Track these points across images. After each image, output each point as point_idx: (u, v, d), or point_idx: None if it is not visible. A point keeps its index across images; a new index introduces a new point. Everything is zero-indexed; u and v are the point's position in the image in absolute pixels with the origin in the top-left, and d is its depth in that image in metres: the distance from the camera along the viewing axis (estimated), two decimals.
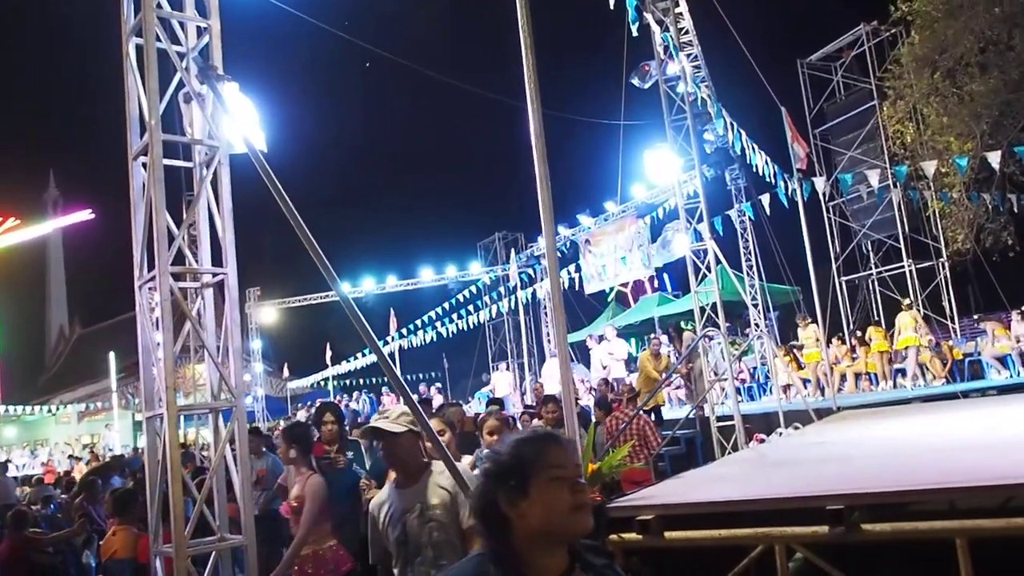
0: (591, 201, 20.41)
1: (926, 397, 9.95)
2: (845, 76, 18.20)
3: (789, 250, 15.49)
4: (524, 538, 1.49)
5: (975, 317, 15.62)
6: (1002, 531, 2.59)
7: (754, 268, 17.14)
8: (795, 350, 14.02)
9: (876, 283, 17.83)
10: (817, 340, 12.91)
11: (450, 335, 23.11)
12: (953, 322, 16.24)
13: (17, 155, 38.66)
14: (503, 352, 25.40)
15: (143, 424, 4.11)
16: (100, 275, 33.68)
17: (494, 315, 23.38)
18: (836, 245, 17.94)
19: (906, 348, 12.18)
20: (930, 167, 12.69)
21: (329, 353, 25.76)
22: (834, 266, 17.59)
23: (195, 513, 3.81)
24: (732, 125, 11.35)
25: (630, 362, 14.68)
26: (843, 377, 13.36)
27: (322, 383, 27.92)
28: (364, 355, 24.44)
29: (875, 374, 12.98)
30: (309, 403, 23.64)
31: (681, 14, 11.44)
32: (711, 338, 11.27)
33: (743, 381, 15.08)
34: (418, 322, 23.35)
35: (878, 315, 16.93)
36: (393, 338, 22.98)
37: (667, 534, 3.10)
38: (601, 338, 15.17)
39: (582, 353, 17.08)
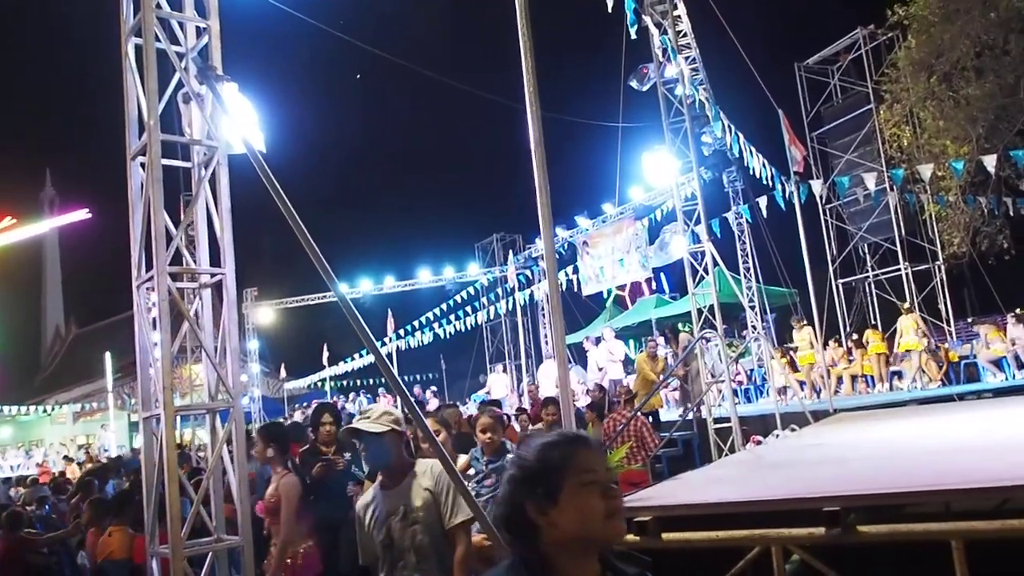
0: (589, 203, 20.45)
1: (922, 399, 9.98)
2: (842, 79, 18.25)
3: (786, 252, 15.52)
4: (554, 546, 1.41)
5: (969, 320, 15.68)
6: (998, 533, 2.59)
7: (751, 270, 17.18)
8: (791, 352, 14.05)
9: (872, 286, 17.88)
10: (811, 343, 12.94)
11: (447, 336, 23.10)
12: (949, 325, 16.29)
13: (13, 154, 38.62)
14: (500, 354, 25.41)
15: (139, 424, 4.11)
16: (96, 275, 33.65)
17: (492, 316, 23.36)
18: (833, 248, 17.98)
19: (908, 352, 12.18)
20: (926, 170, 12.73)
21: (326, 354, 25.76)
22: (831, 269, 17.63)
23: (192, 514, 3.81)
24: (730, 128, 11.38)
25: (627, 363, 14.69)
26: (840, 379, 13.39)
27: (319, 384, 27.89)
28: (361, 356, 24.42)
29: (871, 376, 13.02)
30: (306, 404, 23.61)
31: (679, 17, 11.45)
32: (708, 340, 11.28)
33: (740, 383, 15.10)
34: (415, 323, 23.35)
35: (875, 318, 16.97)
36: (391, 339, 22.97)
37: (664, 535, 3.10)
38: (598, 340, 15.17)
39: (579, 355, 17.08)
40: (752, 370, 16.08)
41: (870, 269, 17.97)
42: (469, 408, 15.57)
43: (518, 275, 21.66)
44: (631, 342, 19.13)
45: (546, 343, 22.46)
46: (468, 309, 22.68)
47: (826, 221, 17.78)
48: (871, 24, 16.95)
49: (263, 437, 4.68)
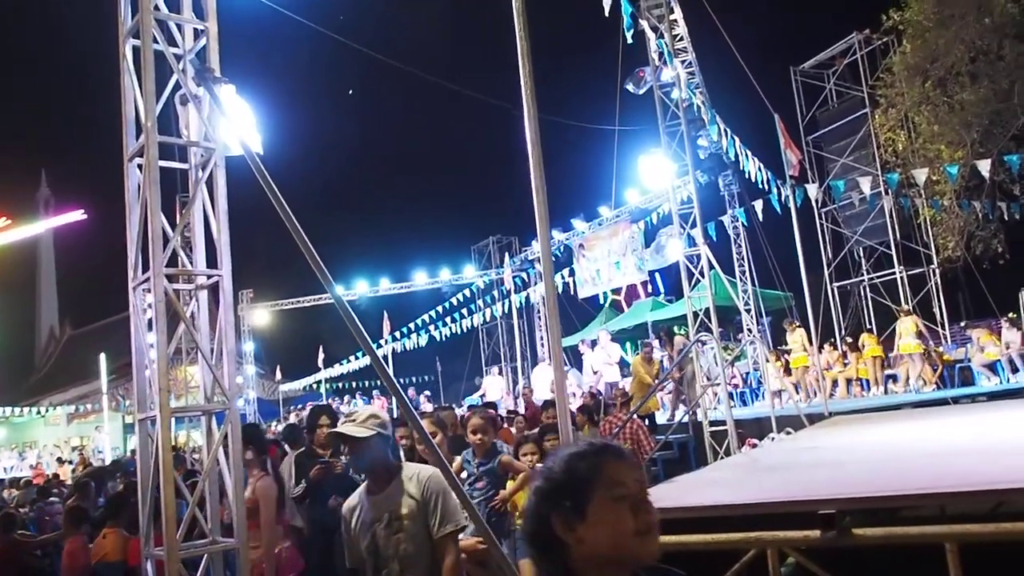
0: (585, 206, 20.49)
1: (917, 403, 10.01)
2: (838, 84, 18.33)
3: (782, 256, 15.57)
4: (582, 564, 1.32)
5: (962, 324, 15.74)
6: (992, 536, 2.61)
7: (747, 274, 17.20)
8: (784, 355, 14.09)
9: (868, 289, 17.94)
10: (804, 346, 12.97)
11: (443, 339, 23.09)
12: (943, 329, 16.35)
13: (9, 154, 38.48)
14: (496, 356, 25.40)
15: (135, 426, 4.09)
16: (91, 276, 33.55)
17: (487, 319, 23.37)
18: (828, 251, 18.04)
19: (910, 355, 12.18)
20: (921, 175, 12.79)
21: (321, 356, 25.72)
22: (826, 272, 17.69)
23: (187, 516, 3.80)
24: (726, 131, 11.42)
25: (624, 366, 14.70)
26: (835, 383, 13.41)
27: (314, 386, 27.85)
28: (357, 358, 24.40)
29: (867, 380, 13.05)
30: (300, 406, 23.57)
31: (676, 21, 11.51)
32: (704, 343, 11.31)
33: (736, 386, 15.13)
34: (411, 325, 23.34)
35: (869, 321, 17.03)
36: (386, 341, 22.96)
37: (660, 538, 3.11)
38: (594, 343, 15.17)
39: (574, 357, 17.08)
40: (748, 373, 16.10)
41: (865, 273, 18.03)
42: (464, 411, 15.53)
43: (514, 277, 21.66)
44: (627, 345, 19.16)
45: (542, 346, 22.46)
46: (464, 311, 22.69)
47: (821, 225, 17.83)
48: (867, 29, 17.04)
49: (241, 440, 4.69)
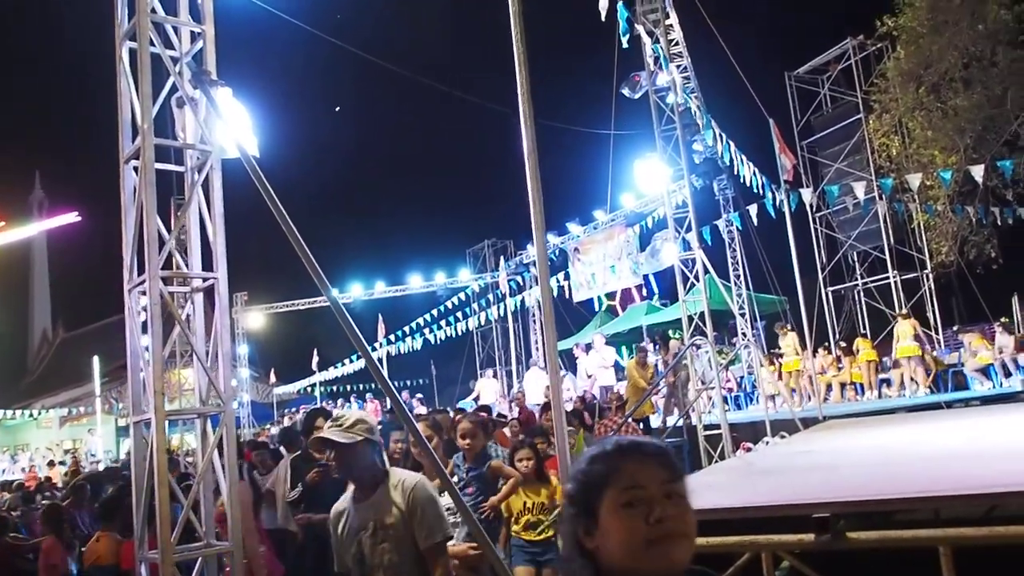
0: (580, 209, 20.52)
1: (911, 407, 10.05)
2: (832, 89, 18.43)
3: (776, 260, 15.61)
4: (608, 574, 1.19)
5: (955, 329, 15.81)
6: (985, 539, 2.62)
7: (741, 278, 17.24)
8: (777, 358, 14.13)
9: (861, 294, 18.02)
10: (796, 350, 13.01)
11: (438, 342, 23.07)
12: (937, 333, 16.43)
13: (5, 155, 38.35)
14: (491, 359, 25.37)
15: (129, 429, 4.08)
16: (84, 278, 33.42)
17: (482, 322, 23.36)
18: (822, 256, 18.12)
19: (907, 358, 12.22)
20: (915, 180, 12.86)
21: (316, 359, 25.64)
22: (820, 276, 17.76)
23: (181, 519, 3.78)
24: (721, 136, 11.47)
25: (619, 369, 14.70)
26: (829, 387, 13.46)
27: (309, 389, 27.77)
28: (351, 361, 24.35)
29: (860, 384, 13.09)
30: (294, 409, 23.51)
31: (671, 26, 11.53)
32: (699, 347, 11.32)
33: (730, 390, 15.15)
34: (406, 328, 23.32)
35: (863, 326, 17.08)
36: (381, 344, 22.92)
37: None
38: (589, 347, 15.17)
39: (569, 361, 17.08)
40: (742, 377, 16.14)
41: (859, 277, 18.11)
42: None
43: (509, 281, 21.67)
44: (622, 348, 19.16)
45: (537, 349, 22.45)
46: (459, 315, 22.69)
47: (816, 229, 17.91)
48: (861, 35, 17.15)
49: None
